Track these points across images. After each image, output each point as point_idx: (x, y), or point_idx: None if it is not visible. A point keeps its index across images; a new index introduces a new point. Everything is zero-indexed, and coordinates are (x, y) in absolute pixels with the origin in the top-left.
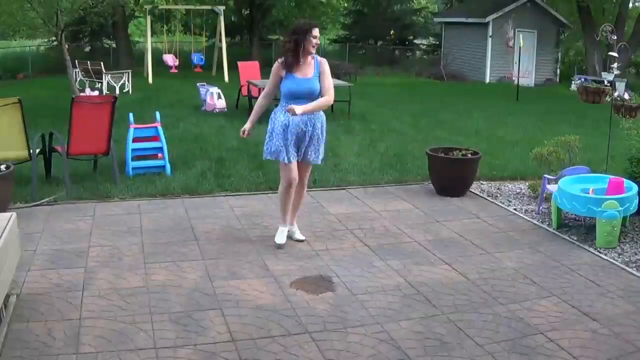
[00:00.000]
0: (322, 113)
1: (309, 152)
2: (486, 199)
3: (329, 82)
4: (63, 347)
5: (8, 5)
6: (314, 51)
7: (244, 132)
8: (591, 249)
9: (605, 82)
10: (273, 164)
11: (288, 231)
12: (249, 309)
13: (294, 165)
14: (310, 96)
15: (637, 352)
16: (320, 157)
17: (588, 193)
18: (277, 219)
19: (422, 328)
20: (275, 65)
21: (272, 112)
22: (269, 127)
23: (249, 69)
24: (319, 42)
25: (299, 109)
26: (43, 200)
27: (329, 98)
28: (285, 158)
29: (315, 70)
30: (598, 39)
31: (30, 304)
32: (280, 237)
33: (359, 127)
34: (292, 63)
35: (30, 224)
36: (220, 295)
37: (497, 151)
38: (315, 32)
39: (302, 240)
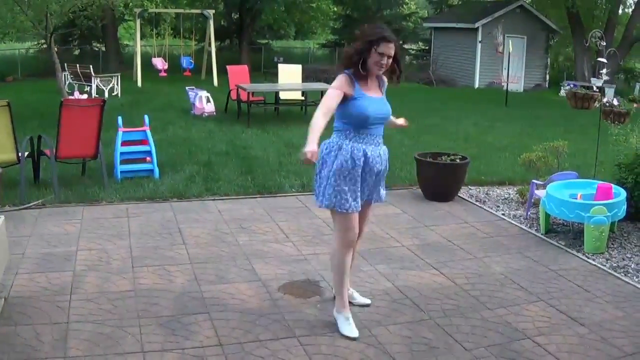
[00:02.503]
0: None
1: (377, 189)
2: (474, 204)
3: None
4: (51, 351)
5: None
6: (378, 72)
7: (312, 155)
8: (579, 254)
9: (594, 88)
10: (261, 168)
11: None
12: (237, 313)
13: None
14: (382, 122)
15: (625, 357)
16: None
17: (576, 198)
18: (266, 223)
19: (410, 333)
20: (342, 78)
21: (326, 144)
22: (327, 166)
23: (238, 73)
24: (388, 64)
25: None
26: (31, 204)
27: None
28: (352, 206)
29: (383, 88)
30: (587, 44)
31: (18, 308)
32: (352, 329)
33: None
34: (359, 78)
35: (19, 227)
36: (208, 299)
37: (486, 156)
38: (384, 48)
39: (368, 305)
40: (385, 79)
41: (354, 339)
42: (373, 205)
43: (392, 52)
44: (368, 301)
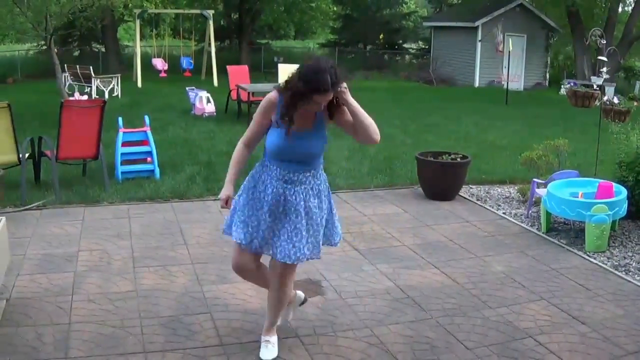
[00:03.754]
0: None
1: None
2: (475, 203)
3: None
4: (52, 352)
5: None
6: (314, 109)
7: (225, 202)
8: (580, 253)
9: (595, 87)
10: None
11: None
12: (238, 313)
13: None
14: (301, 159)
15: (626, 356)
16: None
17: (577, 197)
18: None
19: (412, 332)
20: (268, 99)
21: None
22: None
23: (238, 73)
24: (320, 110)
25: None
26: (32, 205)
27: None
28: (237, 235)
29: (318, 117)
30: (587, 43)
31: (19, 309)
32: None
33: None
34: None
35: (20, 229)
36: (210, 299)
37: (487, 155)
38: (319, 99)
39: None
40: (342, 116)
41: None
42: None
43: (329, 99)
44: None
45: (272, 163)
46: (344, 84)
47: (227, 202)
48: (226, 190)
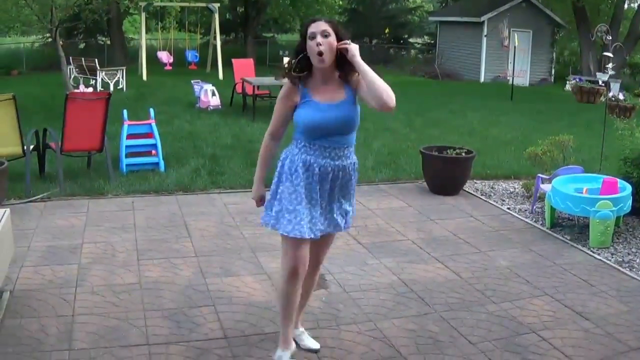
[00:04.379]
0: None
1: (335, 214)
2: (480, 198)
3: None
4: (56, 344)
5: (3, 2)
6: (320, 64)
7: (257, 202)
8: (584, 249)
9: (600, 83)
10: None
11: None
12: (242, 306)
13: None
14: (337, 131)
15: (630, 352)
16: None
17: (582, 193)
18: None
19: (415, 326)
20: (286, 87)
21: (281, 156)
22: (276, 179)
23: (243, 67)
24: (321, 43)
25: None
26: (37, 197)
27: (391, 92)
28: (296, 229)
29: (348, 92)
30: (593, 39)
31: (23, 300)
32: None
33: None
34: (307, 80)
35: (24, 220)
36: (214, 292)
37: (491, 150)
38: (313, 27)
39: (316, 351)
40: (354, 77)
41: None
42: (335, 235)
43: (324, 28)
44: (316, 346)
45: (313, 143)
46: (348, 41)
47: (261, 201)
48: (258, 190)
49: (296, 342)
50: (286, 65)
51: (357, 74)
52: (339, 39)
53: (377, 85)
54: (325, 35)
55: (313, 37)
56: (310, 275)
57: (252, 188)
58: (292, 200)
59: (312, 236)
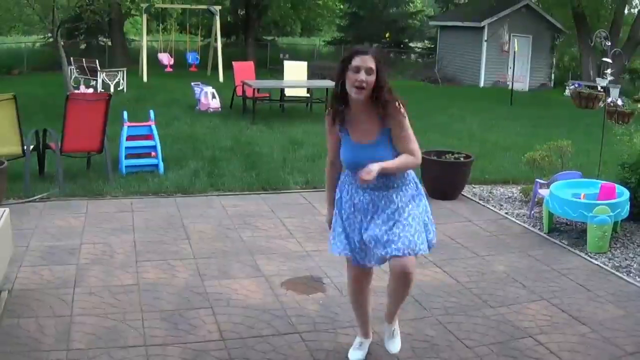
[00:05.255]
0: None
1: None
2: (478, 203)
3: (409, 139)
4: (54, 344)
5: (5, 1)
6: (357, 95)
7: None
8: (582, 254)
9: (599, 88)
10: (266, 164)
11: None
12: (240, 309)
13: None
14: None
15: (626, 357)
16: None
17: (579, 198)
18: (270, 219)
19: (412, 330)
20: (327, 119)
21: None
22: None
23: (243, 69)
24: (364, 81)
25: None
26: (36, 197)
27: (416, 161)
28: (338, 247)
29: (383, 127)
30: (592, 44)
31: (21, 300)
32: (354, 353)
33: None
34: (341, 115)
35: (23, 220)
36: (211, 294)
37: (490, 155)
38: (358, 61)
39: (394, 353)
40: (387, 111)
41: None
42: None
43: (370, 65)
44: (393, 350)
45: (349, 174)
46: (371, 172)
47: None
48: (329, 215)
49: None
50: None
51: (394, 115)
52: (379, 77)
53: (405, 167)
54: (369, 73)
55: (357, 70)
56: (392, 280)
57: (327, 212)
58: (336, 222)
59: (347, 254)
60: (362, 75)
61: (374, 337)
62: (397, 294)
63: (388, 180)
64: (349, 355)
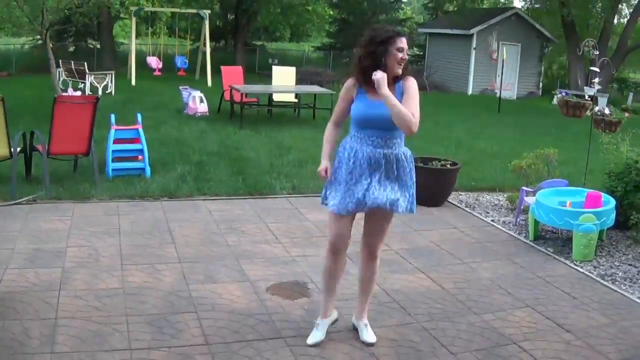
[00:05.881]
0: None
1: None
2: (464, 210)
3: (414, 105)
4: (38, 346)
5: None
6: (398, 69)
7: (323, 171)
8: (567, 262)
9: (586, 97)
10: (252, 169)
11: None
12: (225, 313)
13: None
14: (380, 125)
15: None
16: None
17: (565, 206)
18: (256, 224)
19: (397, 335)
20: (347, 83)
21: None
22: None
23: (232, 74)
24: (406, 57)
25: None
26: (22, 199)
27: (413, 120)
28: (333, 205)
29: (397, 95)
30: (581, 53)
31: (6, 303)
32: (313, 336)
33: (340, 135)
34: (365, 79)
35: (9, 223)
36: (196, 298)
37: (477, 162)
38: (402, 42)
39: (371, 344)
40: (408, 81)
41: (310, 345)
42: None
43: (407, 46)
44: (372, 340)
45: (361, 132)
46: (377, 73)
47: (326, 172)
48: (324, 163)
49: (357, 331)
50: (358, 64)
51: (411, 85)
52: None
53: (401, 116)
54: (405, 52)
55: (401, 50)
56: (365, 263)
57: (322, 161)
58: (336, 180)
59: (344, 213)
60: (404, 54)
61: (357, 342)
62: (366, 279)
63: (391, 143)
64: (309, 340)
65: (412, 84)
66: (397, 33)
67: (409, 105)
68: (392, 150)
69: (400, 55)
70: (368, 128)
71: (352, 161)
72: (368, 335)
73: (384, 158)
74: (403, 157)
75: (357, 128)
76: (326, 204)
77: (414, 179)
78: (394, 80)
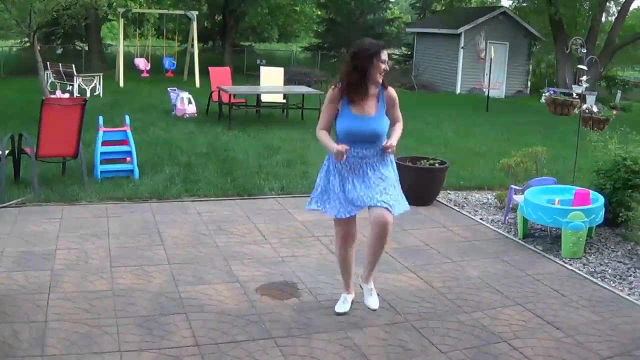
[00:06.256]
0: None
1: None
2: (453, 209)
3: (399, 115)
4: (28, 349)
5: None
6: (380, 78)
7: (340, 151)
8: (556, 259)
9: (574, 95)
10: (241, 170)
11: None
12: (214, 314)
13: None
14: (364, 138)
15: None
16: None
17: (554, 204)
18: (245, 224)
19: (386, 335)
20: (331, 92)
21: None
22: (321, 171)
23: (220, 75)
24: (387, 68)
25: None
26: (11, 202)
27: (401, 124)
28: (331, 211)
29: (380, 105)
30: (568, 51)
31: None
32: (340, 306)
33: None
34: (353, 94)
35: None
36: (186, 299)
37: (465, 161)
38: (384, 55)
39: (373, 310)
40: (390, 93)
41: (337, 314)
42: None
43: (387, 57)
44: (374, 306)
45: (346, 143)
46: (393, 144)
47: (342, 151)
48: (334, 146)
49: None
50: (342, 77)
51: (393, 97)
52: None
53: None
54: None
55: (384, 61)
56: (372, 230)
57: (332, 148)
58: (331, 190)
59: (345, 216)
60: (386, 65)
61: (347, 342)
62: (375, 246)
63: (374, 151)
64: (336, 309)
65: (393, 93)
66: (381, 47)
67: (396, 116)
68: (375, 157)
69: (383, 66)
70: (352, 141)
71: (339, 170)
72: (371, 301)
73: (367, 165)
74: (389, 161)
75: (342, 139)
76: (311, 209)
77: (397, 175)
78: (376, 87)
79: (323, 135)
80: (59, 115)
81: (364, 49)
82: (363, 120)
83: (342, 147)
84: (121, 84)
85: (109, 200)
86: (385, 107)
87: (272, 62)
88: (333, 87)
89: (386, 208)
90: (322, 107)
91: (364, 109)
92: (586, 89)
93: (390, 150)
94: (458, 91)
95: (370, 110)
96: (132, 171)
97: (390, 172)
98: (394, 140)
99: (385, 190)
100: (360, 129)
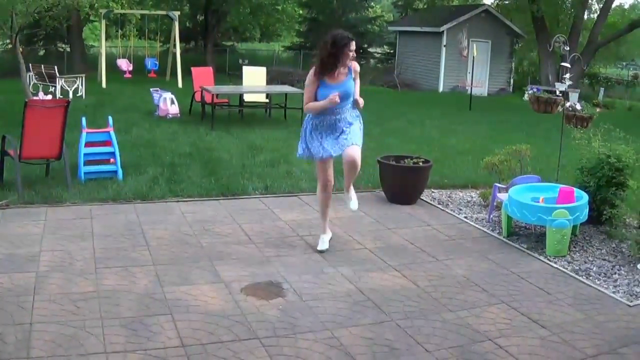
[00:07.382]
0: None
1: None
2: (437, 207)
3: (358, 87)
4: (14, 352)
5: None
6: (351, 61)
7: (335, 96)
8: (541, 257)
9: (557, 93)
10: (224, 170)
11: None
12: (199, 315)
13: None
14: (343, 98)
15: (586, 359)
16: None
17: (538, 202)
18: (229, 224)
19: (372, 334)
20: (310, 75)
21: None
22: (303, 128)
23: (202, 75)
24: (355, 55)
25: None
26: None
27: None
28: (315, 154)
29: (349, 75)
30: (551, 49)
31: None
32: (321, 245)
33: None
34: (327, 73)
35: None
36: (171, 300)
37: (449, 160)
38: (353, 46)
39: (353, 210)
40: (354, 67)
41: (319, 251)
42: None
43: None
44: (354, 207)
45: (322, 113)
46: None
47: (336, 96)
48: (329, 96)
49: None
50: (320, 60)
51: (357, 71)
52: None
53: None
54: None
55: (352, 50)
56: (345, 165)
57: (326, 101)
58: (313, 142)
59: (325, 156)
60: (354, 53)
61: (333, 341)
62: (350, 174)
63: (345, 110)
64: (319, 248)
65: (357, 66)
66: (350, 39)
67: (357, 85)
68: (346, 115)
69: (351, 54)
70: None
71: (320, 126)
72: (352, 203)
73: (341, 121)
74: (356, 115)
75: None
76: (299, 155)
77: (362, 124)
78: (345, 67)
79: (311, 104)
80: (42, 117)
81: (338, 39)
82: (337, 86)
83: (332, 95)
84: (104, 85)
85: (93, 201)
86: (352, 76)
87: (255, 61)
88: (313, 68)
89: (354, 144)
90: (305, 89)
91: (336, 80)
92: (569, 86)
93: (359, 102)
94: (441, 89)
95: (341, 79)
96: (115, 172)
97: (356, 124)
98: (357, 95)
99: (354, 133)
100: (335, 91)
